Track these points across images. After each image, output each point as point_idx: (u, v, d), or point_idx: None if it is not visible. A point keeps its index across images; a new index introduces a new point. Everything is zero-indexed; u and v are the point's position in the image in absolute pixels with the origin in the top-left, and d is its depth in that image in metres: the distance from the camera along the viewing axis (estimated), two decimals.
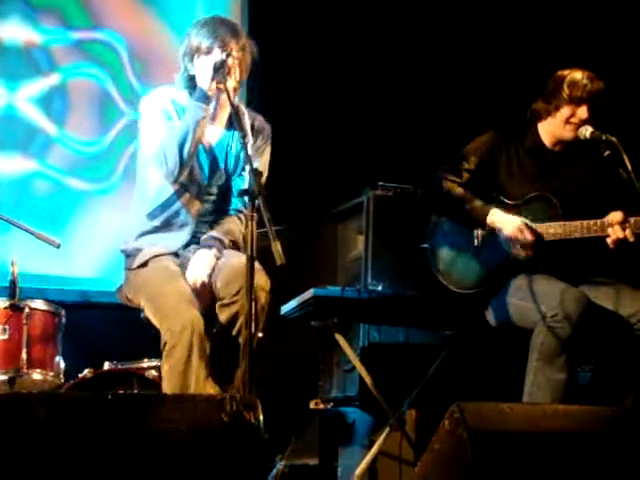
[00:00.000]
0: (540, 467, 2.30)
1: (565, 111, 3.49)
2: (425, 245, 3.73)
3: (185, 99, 3.26)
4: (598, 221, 3.38)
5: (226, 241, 3.28)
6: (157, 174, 3.23)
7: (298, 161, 4.98)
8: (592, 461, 2.34)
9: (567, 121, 3.49)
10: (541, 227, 3.46)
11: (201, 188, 3.30)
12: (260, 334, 3.09)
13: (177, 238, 3.28)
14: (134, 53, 5.05)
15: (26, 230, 3.83)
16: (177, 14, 5.11)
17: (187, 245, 3.30)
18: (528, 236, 3.42)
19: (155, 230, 3.28)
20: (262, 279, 3.13)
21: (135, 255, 3.28)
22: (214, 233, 3.29)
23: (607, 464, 2.35)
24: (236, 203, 3.34)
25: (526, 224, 3.43)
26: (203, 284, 3.18)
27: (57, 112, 4.91)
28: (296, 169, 4.93)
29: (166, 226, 3.28)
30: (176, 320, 3.03)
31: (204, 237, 3.28)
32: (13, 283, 3.76)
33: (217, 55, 3.17)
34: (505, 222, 3.46)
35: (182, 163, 3.15)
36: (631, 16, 5.05)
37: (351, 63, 5.26)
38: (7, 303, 3.75)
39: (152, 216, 3.29)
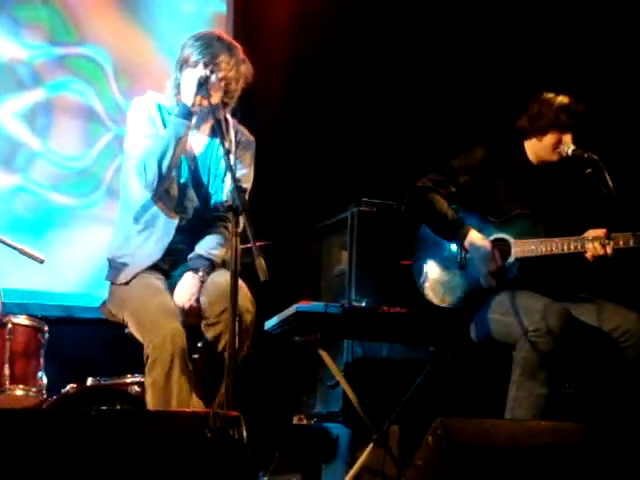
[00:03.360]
0: None
1: (551, 137, 3.54)
2: (408, 262, 3.75)
3: (172, 104, 3.26)
4: (577, 238, 3.42)
5: (215, 259, 3.27)
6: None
7: (282, 177, 4.99)
8: (574, 476, 2.36)
9: (553, 147, 3.54)
10: (520, 244, 3.50)
11: (183, 196, 3.29)
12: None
13: (156, 247, 3.26)
14: (119, 69, 5.05)
15: (10, 245, 3.82)
16: (164, 31, 5.12)
17: (174, 265, 3.30)
18: (492, 266, 3.47)
19: (137, 234, 3.27)
20: (247, 300, 3.14)
21: (120, 270, 3.27)
22: (202, 251, 3.28)
23: (587, 478, 2.36)
24: (217, 211, 3.32)
25: (494, 252, 3.47)
26: (190, 307, 3.19)
27: (41, 127, 4.90)
28: (280, 185, 4.95)
29: (147, 229, 3.27)
30: (157, 333, 3.04)
31: (191, 255, 3.28)
32: None
33: (201, 70, 3.18)
34: (476, 248, 3.50)
35: (161, 176, 3.16)
36: (615, 31, 5.10)
37: (336, 80, 5.29)
38: None
39: (135, 220, 3.28)
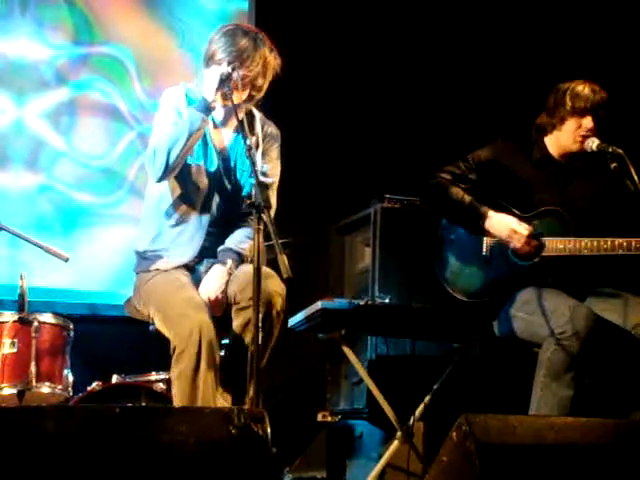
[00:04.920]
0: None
1: (570, 123, 3.50)
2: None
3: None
4: (609, 240, 3.36)
5: (244, 253, 3.26)
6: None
7: (305, 173, 4.99)
8: (599, 474, 2.34)
9: (574, 133, 3.49)
10: (548, 242, 3.46)
11: (212, 191, 3.29)
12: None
13: (190, 245, 3.27)
14: (142, 67, 5.07)
15: (35, 244, 3.84)
16: (186, 29, 5.13)
17: (200, 258, 3.30)
18: (520, 235, 3.42)
19: (170, 228, 3.27)
20: (277, 284, 3.13)
21: (154, 260, 3.27)
22: (232, 245, 3.28)
23: (614, 476, 2.34)
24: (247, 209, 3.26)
25: (517, 223, 3.43)
26: (216, 299, 3.18)
27: (65, 126, 4.93)
28: (303, 181, 4.94)
29: (181, 224, 3.27)
30: (184, 325, 3.03)
31: (221, 248, 3.28)
32: (22, 297, 3.77)
33: (225, 67, 3.16)
34: (498, 226, 3.45)
35: (167, 166, 3.14)
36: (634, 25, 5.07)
37: (358, 75, 5.28)
38: (16, 317, 3.76)
39: (167, 215, 3.29)
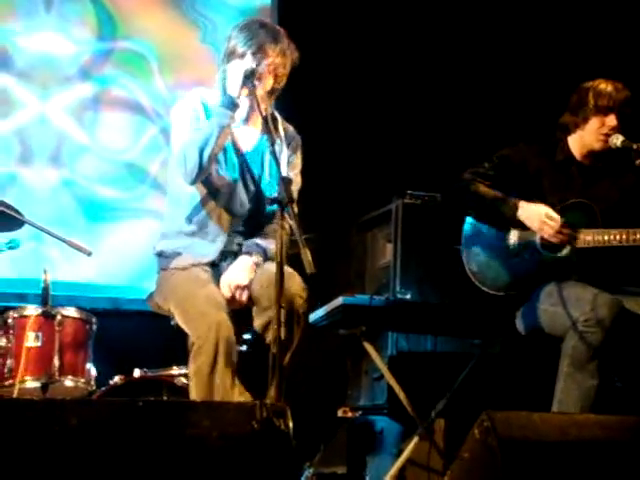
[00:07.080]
0: (570, 476, 2.29)
1: (594, 122, 3.48)
2: (459, 247, 3.71)
3: (218, 99, 3.24)
4: (638, 231, 3.34)
5: (269, 251, 3.24)
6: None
7: (327, 170, 4.99)
8: (622, 470, 2.33)
9: (597, 132, 3.48)
10: (579, 233, 3.44)
11: (234, 193, 3.29)
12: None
13: (212, 246, 3.27)
14: (165, 62, 5.09)
15: (58, 238, 3.87)
16: (209, 23, 5.15)
17: (224, 257, 3.30)
18: (554, 222, 3.40)
19: (191, 234, 3.28)
20: (299, 286, 3.13)
21: (173, 257, 3.27)
22: (258, 240, 3.28)
23: (637, 474, 2.33)
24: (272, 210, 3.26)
25: (551, 211, 3.40)
26: (237, 287, 3.17)
27: (89, 121, 4.96)
28: (325, 178, 4.94)
29: (201, 230, 3.28)
30: (202, 322, 3.04)
31: (247, 243, 3.28)
32: (45, 291, 3.80)
33: (249, 61, 3.17)
34: (531, 215, 3.43)
35: (201, 166, 3.13)
36: None
37: (379, 71, 5.27)
38: (40, 311, 3.79)
39: (188, 220, 3.29)
